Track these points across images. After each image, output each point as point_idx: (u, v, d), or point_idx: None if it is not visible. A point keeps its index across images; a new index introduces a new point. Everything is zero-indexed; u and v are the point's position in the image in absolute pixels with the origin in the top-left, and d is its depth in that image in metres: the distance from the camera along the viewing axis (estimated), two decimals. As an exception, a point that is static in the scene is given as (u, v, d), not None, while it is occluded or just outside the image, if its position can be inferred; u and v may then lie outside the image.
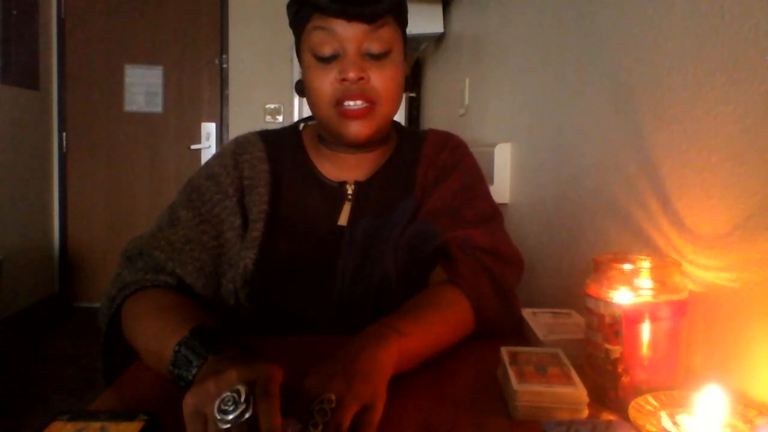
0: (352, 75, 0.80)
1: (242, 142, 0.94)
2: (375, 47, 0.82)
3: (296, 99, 3.67)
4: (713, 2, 0.66)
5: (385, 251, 0.85)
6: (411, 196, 0.90)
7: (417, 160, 0.93)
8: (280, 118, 3.89)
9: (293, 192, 0.90)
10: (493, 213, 0.92)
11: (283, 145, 0.95)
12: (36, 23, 3.55)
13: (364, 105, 0.82)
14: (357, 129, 0.84)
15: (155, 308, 0.72)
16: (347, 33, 0.81)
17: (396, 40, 0.85)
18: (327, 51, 0.82)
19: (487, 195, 0.94)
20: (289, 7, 0.88)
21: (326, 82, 0.83)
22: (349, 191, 0.91)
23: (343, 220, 0.89)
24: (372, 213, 0.89)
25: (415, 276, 0.86)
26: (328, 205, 0.90)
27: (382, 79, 0.83)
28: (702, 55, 0.68)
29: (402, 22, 0.88)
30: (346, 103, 0.82)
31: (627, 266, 0.63)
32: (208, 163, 0.93)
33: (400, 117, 3.33)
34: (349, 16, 0.80)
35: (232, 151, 0.92)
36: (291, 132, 0.98)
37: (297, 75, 0.90)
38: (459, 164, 0.93)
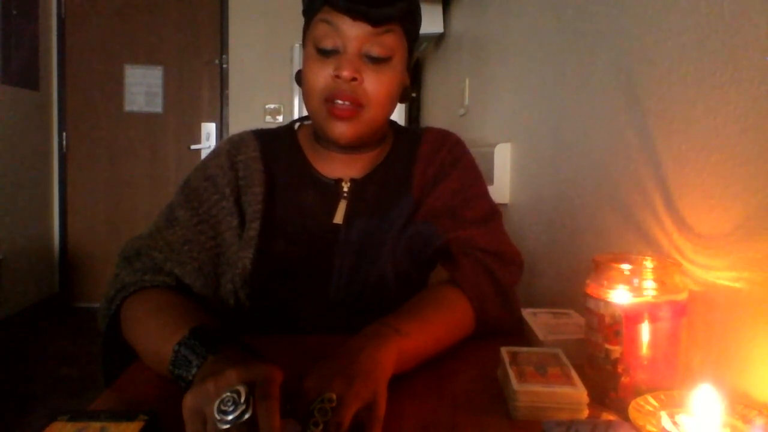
0: (345, 73, 0.81)
1: (236, 141, 0.94)
2: (375, 51, 0.82)
3: (296, 99, 3.67)
4: (713, 2, 0.66)
5: (382, 251, 0.85)
6: (409, 195, 0.90)
7: (414, 158, 0.93)
8: (280, 118, 3.89)
9: (289, 190, 0.90)
10: (493, 212, 0.92)
11: (278, 144, 0.95)
12: (36, 23, 3.55)
13: (352, 106, 0.82)
14: (341, 130, 0.84)
15: (154, 308, 0.72)
16: (350, 31, 0.81)
17: (399, 49, 0.85)
18: (327, 44, 0.82)
19: (486, 194, 0.94)
20: None
21: (321, 75, 0.83)
22: (345, 189, 0.90)
23: (338, 218, 0.88)
24: (368, 212, 0.88)
25: (414, 276, 0.86)
26: (323, 203, 0.89)
27: (376, 84, 0.83)
28: (702, 55, 0.68)
29: (410, 33, 0.88)
30: (336, 101, 0.82)
31: (627, 266, 0.63)
32: (204, 163, 0.92)
33: (400, 118, 3.34)
34: (354, 15, 0.80)
35: (227, 151, 0.91)
36: (286, 131, 0.98)
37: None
38: (458, 163, 0.93)
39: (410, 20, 0.87)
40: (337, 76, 0.81)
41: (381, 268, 0.84)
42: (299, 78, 0.89)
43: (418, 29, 0.90)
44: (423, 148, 0.94)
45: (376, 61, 0.83)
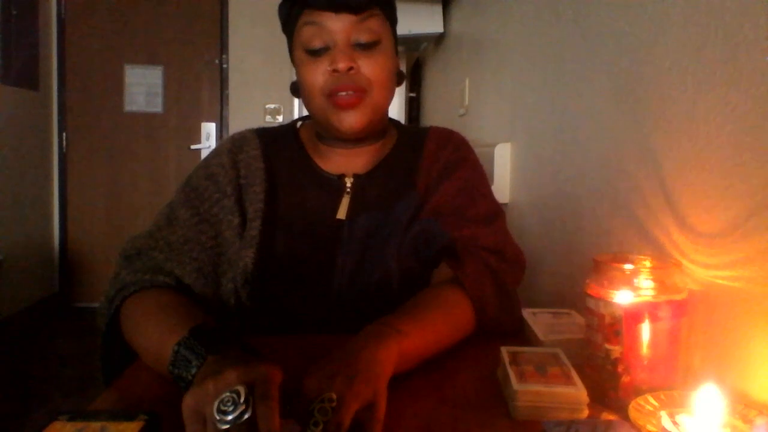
0: (342, 65, 0.82)
1: (238, 139, 0.94)
2: (363, 37, 0.84)
3: (296, 99, 3.66)
4: (713, 2, 0.66)
5: (386, 248, 0.85)
6: (413, 191, 0.90)
7: (419, 155, 0.93)
8: (280, 118, 3.89)
9: (291, 188, 0.91)
10: (497, 212, 0.92)
11: (280, 142, 0.95)
12: (36, 23, 3.55)
13: (356, 94, 0.83)
14: (351, 120, 0.85)
15: (154, 308, 0.72)
16: (336, 25, 0.83)
17: (384, 31, 0.87)
18: (317, 44, 0.84)
19: (490, 193, 0.95)
20: (280, 9, 0.89)
21: (317, 74, 0.84)
22: (348, 184, 0.91)
23: (341, 214, 0.88)
24: (372, 207, 0.89)
25: (418, 275, 0.86)
26: (326, 199, 0.90)
27: (372, 67, 0.84)
28: (702, 55, 0.68)
29: (390, 16, 0.89)
30: (338, 93, 0.83)
31: (627, 266, 0.63)
32: (206, 161, 0.93)
33: (400, 117, 3.34)
34: (337, 8, 0.82)
35: (228, 149, 0.92)
36: (288, 129, 0.98)
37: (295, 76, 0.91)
38: (463, 162, 0.94)
39: (388, 3, 0.88)
40: (335, 70, 0.82)
41: (385, 265, 0.84)
42: (295, 89, 0.90)
43: (395, 11, 0.92)
44: (428, 145, 0.94)
45: (367, 47, 0.84)
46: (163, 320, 0.69)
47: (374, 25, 0.85)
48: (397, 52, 0.93)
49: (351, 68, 0.83)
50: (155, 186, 3.87)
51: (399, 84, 0.93)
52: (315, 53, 0.84)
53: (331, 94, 0.84)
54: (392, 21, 0.90)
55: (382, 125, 0.94)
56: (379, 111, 0.88)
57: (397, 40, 0.93)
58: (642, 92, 0.83)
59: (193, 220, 0.85)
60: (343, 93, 0.83)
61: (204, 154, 3.84)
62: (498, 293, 0.83)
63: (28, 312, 3.46)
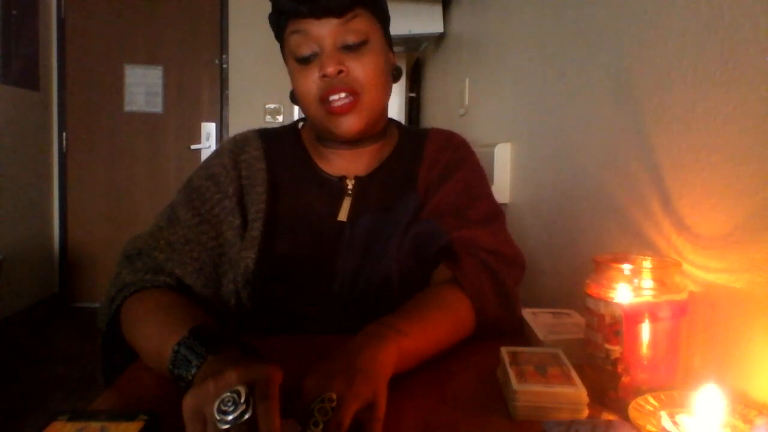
0: (330, 69, 0.82)
1: (240, 140, 0.94)
2: (350, 39, 0.83)
3: (296, 99, 3.65)
4: (713, 2, 0.66)
5: (386, 249, 0.85)
6: (413, 193, 0.90)
7: (420, 157, 0.94)
8: (280, 118, 3.89)
9: (292, 189, 0.91)
10: (496, 213, 0.92)
11: (282, 143, 0.95)
12: (36, 23, 3.55)
13: (349, 97, 0.83)
14: (347, 125, 0.85)
15: (155, 308, 0.72)
16: (321, 31, 0.83)
17: (372, 29, 0.86)
18: (305, 51, 0.84)
19: (490, 194, 0.95)
20: (269, 19, 0.89)
21: (309, 80, 0.84)
22: (349, 186, 0.91)
23: (342, 215, 0.89)
24: (372, 209, 0.89)
25: (418, 275, 0.86)
26: (327, 201, 0.90)
27: (362, 68, 0.84)
28: (702, 55, 0.68)
29: (378, 13, 0.88)
30: (331, 98, 0.83)
31: (627, 266, 0.63)
32: (207, 162, 0.93)
33: (400, 117, 3.34)
34: (318, 14, 0.82)
35: (230, 150, 0.92)
36: (290, 130, 0.99)
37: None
38: (463, 163, 0.94)
39: (373, 1, 0.87)
40: (324, 75, 0.82)
41: (386, 266, 0.84)
42: (293, 97, 0.90)
43: (384, 8, 0.91)
44: (428, 148, 0.94)
45: (354, 48, 0.84)
46: (163, 320, 0.69)
47: (360, 25, 0.84)
48: (391, 49, 0.92)
49: (341, 71, 0.83)
50: (155, 186, 3.87)
51: (396, 80, 0.93)
52: (304, 61, 0.84)
53: (324, 100, 0.83)
54: (381, 18, 0.89)
55: (381, 125, 0.94)
56: (375, 111, 0.88)
57: (390, 36, 0.92)
58: (642, 93, 0.83)
59: (194, 220, 0.85)
60: (336, 96, 0.83)
61: (204, 154, 3.85)
62: (497, 293, 0.83)
63: (28, 312, 3.46)
